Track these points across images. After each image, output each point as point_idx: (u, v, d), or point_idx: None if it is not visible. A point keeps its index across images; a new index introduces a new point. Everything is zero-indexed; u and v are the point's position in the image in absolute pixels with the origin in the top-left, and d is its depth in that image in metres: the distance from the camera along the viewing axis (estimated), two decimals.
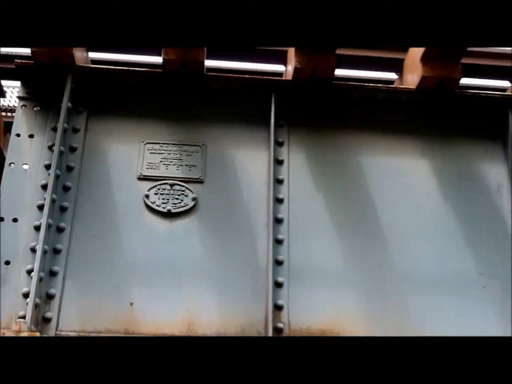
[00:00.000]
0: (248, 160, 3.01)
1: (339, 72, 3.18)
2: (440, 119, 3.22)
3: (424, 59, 3.02)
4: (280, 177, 2.93)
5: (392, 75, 3.42)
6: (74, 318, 2.56)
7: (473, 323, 2.82)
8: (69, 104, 2.88)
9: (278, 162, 2.96)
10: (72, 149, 2.87)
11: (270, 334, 2.59)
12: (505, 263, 2.94)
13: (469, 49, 3.08)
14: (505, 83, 3.37)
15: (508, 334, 2.80)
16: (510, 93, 3.26)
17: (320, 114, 3.16)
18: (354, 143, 3.13)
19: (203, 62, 2.98)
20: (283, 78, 3.18)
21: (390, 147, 3.15)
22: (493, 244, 2.99)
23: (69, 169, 2.82)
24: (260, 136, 3.03)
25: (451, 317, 2.82)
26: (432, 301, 2.84)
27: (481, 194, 3.09)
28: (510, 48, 3.22)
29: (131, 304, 2.63)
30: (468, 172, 3.14)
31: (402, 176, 3.08)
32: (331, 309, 2.75)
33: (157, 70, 3.05)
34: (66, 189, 2.77)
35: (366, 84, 3.24)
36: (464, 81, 3.25)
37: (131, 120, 3.03)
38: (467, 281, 2.90)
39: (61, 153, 2.77)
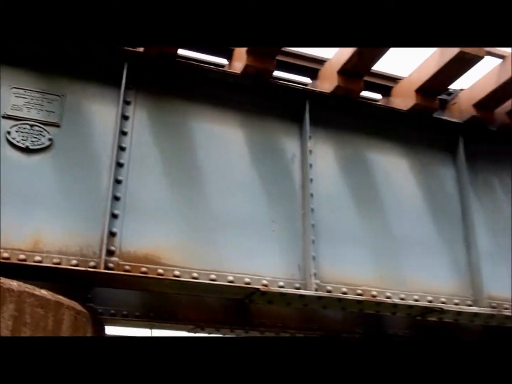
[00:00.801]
0: (100, 113, 3.34)
1: (183, 52, 3.60)
2: (257, 100, 3.74)
3: (249, 51, 3.49)
4: (125, 129, 3.31)
5: (224, 61, 3.82)
6: None
7: (264, 258, 3.39)
8: None
9: (125, 118, 3.34)
10: None
11: (103, 255, 2.96)
12: (292, 214, 3.58)
13: (283, 49, 3.59)
14: (307, 79, 4.00)
15: (288, 266, 3.43)
16: (309, 87, 3.89)
17: (165, 84, 3.55)
18: (189, 110, 3.56)
19: None
20: (136, 50, 3.47)
21: (217, 118, 3.62)
22: (285, 199, 3.60)
23: None
24: (112, 95, 3.37)
25: (249, 251, 3.37)
26: (236, 239, 3.37)
27: (280, 160, 3.68)
28: (313, 52, 3.87)
29: None
30: (272, 143, 3.71)
31: (223, 141, 3.58)
32: (156, 238, 3.18)
33: None
34: None
35: (202, 64, 3.65)
36: (279, 74, 3.82)
37: (1, 66, 3.21)
38: (262, 225, 3.48)
39: None
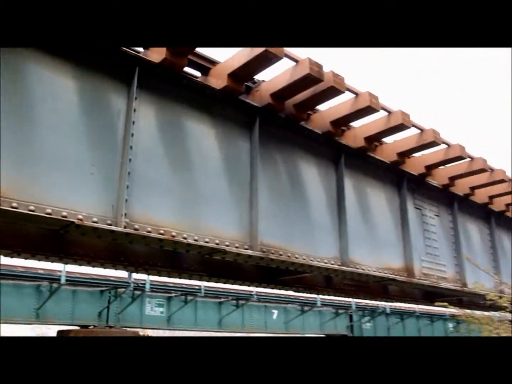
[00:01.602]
0: None
1: None
2: (93, 59, 3.72)
3: None
4: None
5: None
6: None
7: (82, 196, 3.49)
8: None
9: None
10: None
11: None
12: (111, 161, 3.69)
13: None
14: (140, 48, 3.98)
15: (103, 205, 3.57)
16: (141, 55, 3.93)
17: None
18: (27, 55, 3.39)
19: None
20: None
21: (53, 67, 3.52)
22: (107, 148, 3.71)
23: None
24: None
25: (69, 189, 3.43)
26: (58, 176, 3.41)
27: (107, 114, 3.78)
28: None
29: None
30: (102, 98, 3.77)
31: (57, 88, 3.52)
32: None
33: None
34: None
35: None
36: None
37: None
38: (84, 167, 3.57)
39: None
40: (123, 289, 17.16)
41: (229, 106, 4.55)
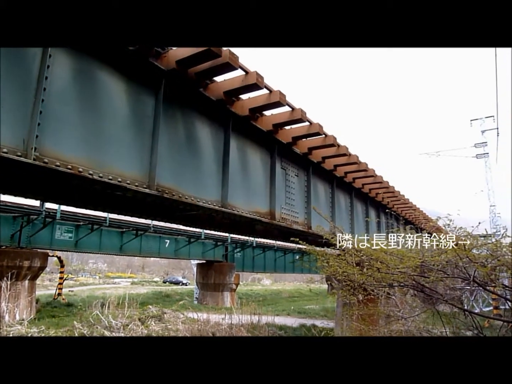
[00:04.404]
0: None
1: None
2: None
3: None
4: None
5: None
6: None
7: None
8: None
9: None
10: None
11: None
12: (25, 99, 3.23)
13: None
14: None
15: (13, 139, 3.12)
16: None
17: None
18: None
19: None
20: None
21: None
22: (21, 86, 3.21)
23: None
24: None
25: None
26: None
27: (23, 56, 3.22)
28: None
29: None
30: None
31: None
32: None
33: None
34: None
35: None
36: None
37: None
38: None
39: None
40: (36, 216, 15.93)
41: (140, 65, 4.20)
